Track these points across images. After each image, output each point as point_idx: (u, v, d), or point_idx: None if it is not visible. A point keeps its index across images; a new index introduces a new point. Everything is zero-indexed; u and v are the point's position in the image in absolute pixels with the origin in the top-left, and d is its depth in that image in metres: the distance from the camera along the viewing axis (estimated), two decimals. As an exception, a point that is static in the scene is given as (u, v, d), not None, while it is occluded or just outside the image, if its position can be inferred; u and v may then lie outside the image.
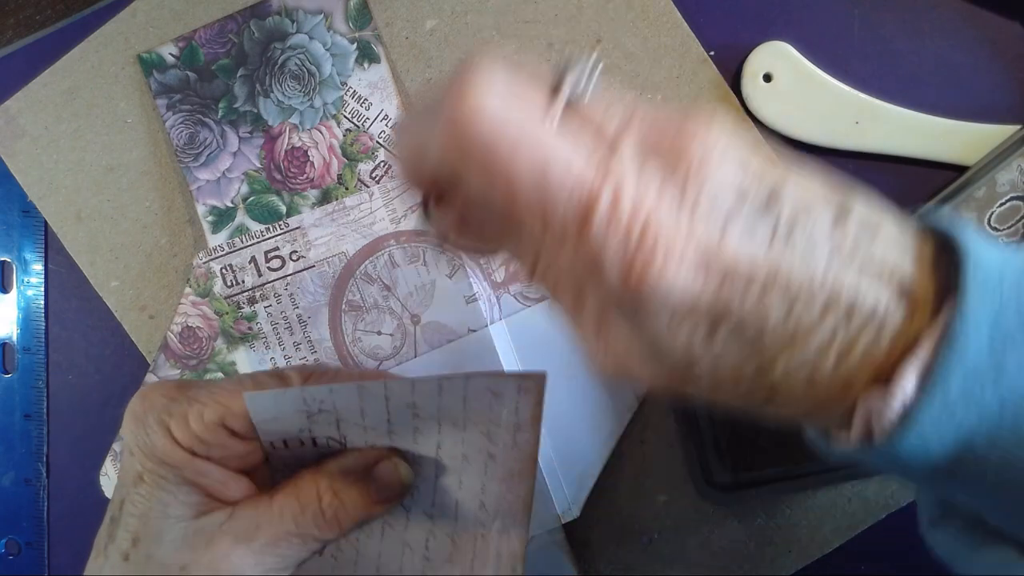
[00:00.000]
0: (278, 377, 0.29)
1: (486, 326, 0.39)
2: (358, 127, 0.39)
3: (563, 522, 0.39)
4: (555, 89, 0.21)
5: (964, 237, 0.20)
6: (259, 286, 0.39)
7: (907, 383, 0.19)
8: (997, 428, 0.19)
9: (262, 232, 0.39)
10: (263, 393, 0.27)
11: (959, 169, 0.38)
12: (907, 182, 0.38)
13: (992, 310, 0.19)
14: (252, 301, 0.39)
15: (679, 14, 0.39)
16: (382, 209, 0.39)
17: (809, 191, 0.20)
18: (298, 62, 0.39)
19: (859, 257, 0.20)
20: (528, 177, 0.19)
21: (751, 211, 0.20)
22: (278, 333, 0.39)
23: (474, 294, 0.39)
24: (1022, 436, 0.19)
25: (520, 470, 0.29)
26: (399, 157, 0.25)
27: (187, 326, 0.40)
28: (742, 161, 0.20)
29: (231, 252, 0.39)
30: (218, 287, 0.39)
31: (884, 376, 0.19)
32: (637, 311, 0.20)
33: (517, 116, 0.20)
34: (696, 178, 0.19)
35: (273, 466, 0.29)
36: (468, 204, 0.23)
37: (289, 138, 0.40)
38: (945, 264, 0.20)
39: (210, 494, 0.27)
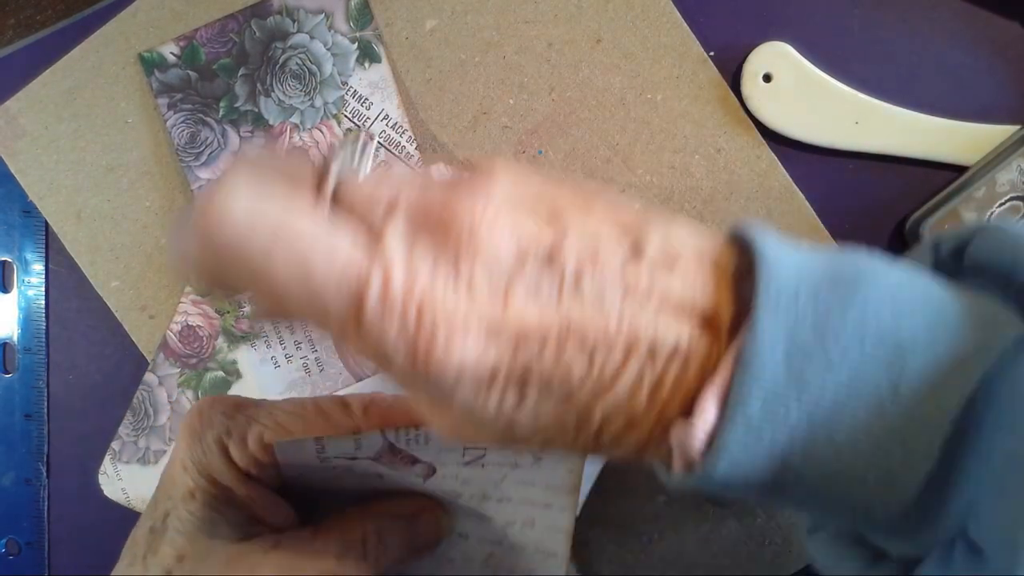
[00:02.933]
0: (341, 404, 0.28)
1: (486, 326, 0.39)
2: (359, 127, 0.39)
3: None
4: (321, 179, 0.20)
5: (764, 249, 0.19)
6: (259, 286, 0.39)
7: (707, 411, 0.19)
8: (810, 443, 0.18)
9: (262, 232, 0.39)
10: (290, 441, 0.26)
11: (959, 169, 0.38)
12: (907, 182, 0.38)
13: (787, 325, 0.18)
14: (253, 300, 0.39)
15: (679, 14, 0.39)
16: (382, 209, 0.39)
17: (596, 237, 0.20)
18: (299, 61, 0.39)
19: (655, 296, 0.19)
20: (290, 274, 0.19)
21: (533, 271, 0.19)
22: (279, 331, 0.39)
23: (474, 294, 0.39)
24: (838, 447, 0.18)
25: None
26: (170, 260, 0.24)
27: (187, 325, 0.40)
28: (517, 222, 0.19)
29: (231, 252, 0.39)
30: (218, 287, 0.39)
31: (693, 406, 0.19)
32: (438, 389, 0.19)
33: (271, 214, 0.19)
34: (468, 248, 0.19)
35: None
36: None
37: (290, 138, 0.40)
38: (752, 278, 0.19)
39: (256, 518, 0.27)
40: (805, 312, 0.18)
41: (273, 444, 0.26)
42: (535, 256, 0.19)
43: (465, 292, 0.19)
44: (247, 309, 0.27)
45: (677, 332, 0.19)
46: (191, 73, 0.40)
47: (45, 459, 0.42)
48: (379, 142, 0.39)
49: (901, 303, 0.19)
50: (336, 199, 0.20)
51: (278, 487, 0.28)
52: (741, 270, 0.20)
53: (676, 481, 0.20)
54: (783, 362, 0.18)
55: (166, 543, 0.26)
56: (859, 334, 0.18)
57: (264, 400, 0.29)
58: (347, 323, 0.19)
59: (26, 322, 0.41)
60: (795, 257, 0.19)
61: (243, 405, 0.28)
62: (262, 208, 0.19)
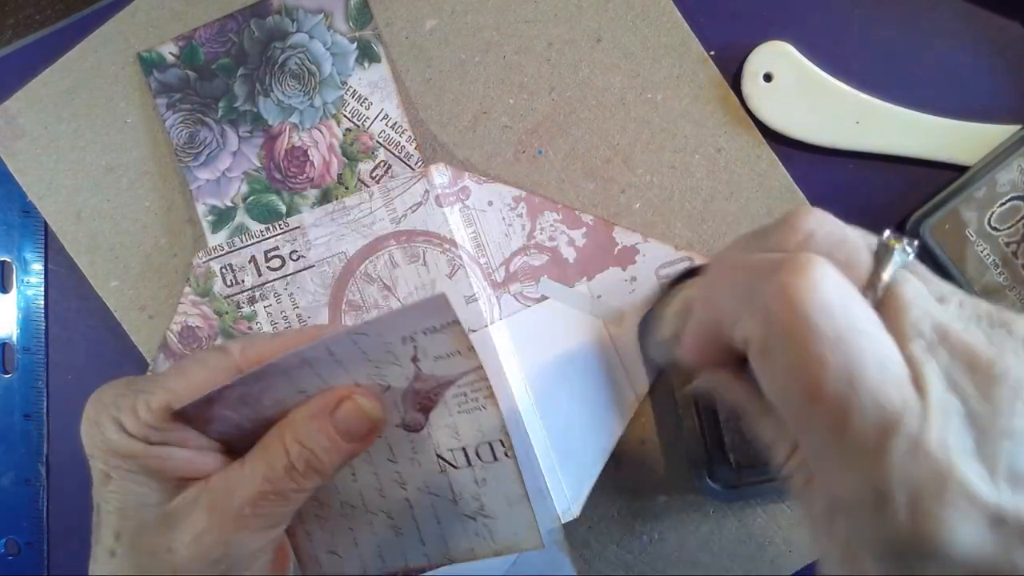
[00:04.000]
0: (221, 351, 0.29)
1: (486, 326, 0.39)
2: (358, 127, 0.39)
3: (563, 522, 0.39)
4: (874, 275, 0.20)
5: None
6: (259, 286, 0.39)
7: None
8: None
9: (262, 232, 0.39)
10: (193, 402, 0.27)
11: (959, 169, 0.38)
12: (907, 182, 0.38)
13: None
14: (252, 300, 0.39)
15: (679, 14, 0.39)
16: (382, 209, 0.39)
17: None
18: (298, 61, 0.39)
19: None
20: (841, 372, 0.18)
21: None
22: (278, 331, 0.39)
23: (474, 294, 0.39)
24: None
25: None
26: (697, 321, 0.23)
27: (187, 325, 0.40)
28: None
29: (231, 252, 0.39)
30: (218, 286, 0.39)
31: None
32: (905, 554, 0.18)
33: (847, 305, 0.18)
34: (1007, 425, 0.17)
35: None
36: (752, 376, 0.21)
37: (289, 137, 0.40)
38: None
39: (181, 476, 0.27)
40: None
41: (176, 409, 0.26)
42: None
43: (989, 470, 0.17)
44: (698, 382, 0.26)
45: None
46: (190, 73, 0.40)
47: (44, 459, 0.42)
48: (378, 142, 0.39)
49: None
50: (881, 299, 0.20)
51: (204, 446, 0.28)
52: None
53: None
54: None
55: (103, 527, 0.27)
56: None
57: (156, 374, 0.29)
58: (864, 443, 0.18)
59: (25, 322, 0.41)
60: None
61: (132, 381, 0.28)
62: (843, 294, 0.18)
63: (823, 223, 0.21)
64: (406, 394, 0.29)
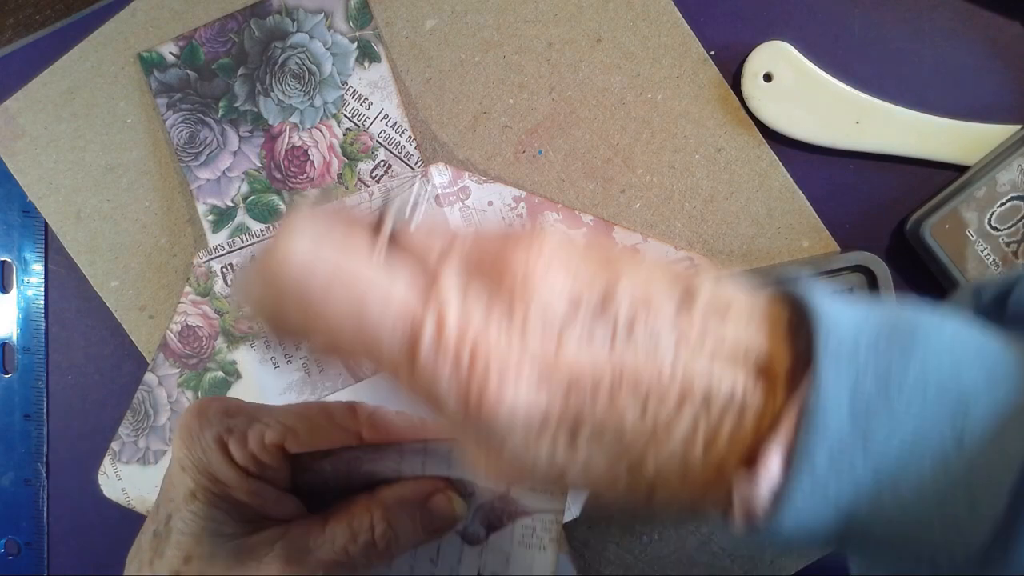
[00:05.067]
0: (350, 411, 0.29)
1: (486, 326, 0.39)
2: (358, 126, 0.39)
3: (563, 522, 0.39)
4: (378, 225, 0.21)
5: (817, 304, 0.19)
6: (259, 286, 0.39)
7: (772, 465, 0.19)
8: (876, 497, 0.18)
9: (262, 231, 0.39)
10: (312, 452, 0.27)
11: (959, 169, 0.38)
12: (907, 182, 0.38)
13: (850, 378, 0.18)
14: (252, 301, 0.39)
15: (679, 14, 0.39)
16: (382, 209, 0.39)
17: (648, 284, 0.20)
18: (298, 61, 0.39)
19: (708, 343, 0.19)
20: (345, 314, 0.19)
21: (586, 316, 0.19)
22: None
23: (474, 294, 0.39)
24: (902, 501, 0.18)
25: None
26: (240, 302, 0.24)
27: (187, 325, 0.40)
28: (570, 269, 0.20)
29: (231, 251, 0.39)
30: (218, 286, 0.39)
31: (753, 457, 0.19)
32: (489, 433, 0.19)
33: (330, 256, 0.19)
34: (522, 293, 0.19)
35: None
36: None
37: (289, 137, 0.40)
38: (804, 333, 0.19)
39: (262, 513, 0.27)
40: (867, 365, 0.18)
41: (288, 448, 0.26)
42: (588, 302, 0.19)
43: (518, 337, 0.19)
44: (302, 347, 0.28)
45: (732, 380, 0.19)
46: (190, 73, 0.40)
47: (44, 459, 0.42)
48: (378, 141, 0.39)
49: (959, 354, 0.19)
50: (392, 245, 0.21)
51: (286, 487, 0.28)
52: (793, 324, 0.20)
53: (735, 535, 0.20)
54: (848, 415, 0.18)
55: (171, 545, 0.26)
56: (921, 386, 0.18)
57: (264, 404, 0.29)
58: (400, 364, 0.19)
59: (25, 322, 0.41)
60: (850, 312, 0.19)
61: (242, 406, 0.28)
62: (321, 251, 0.20)
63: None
64: (483, 507, 0.29)
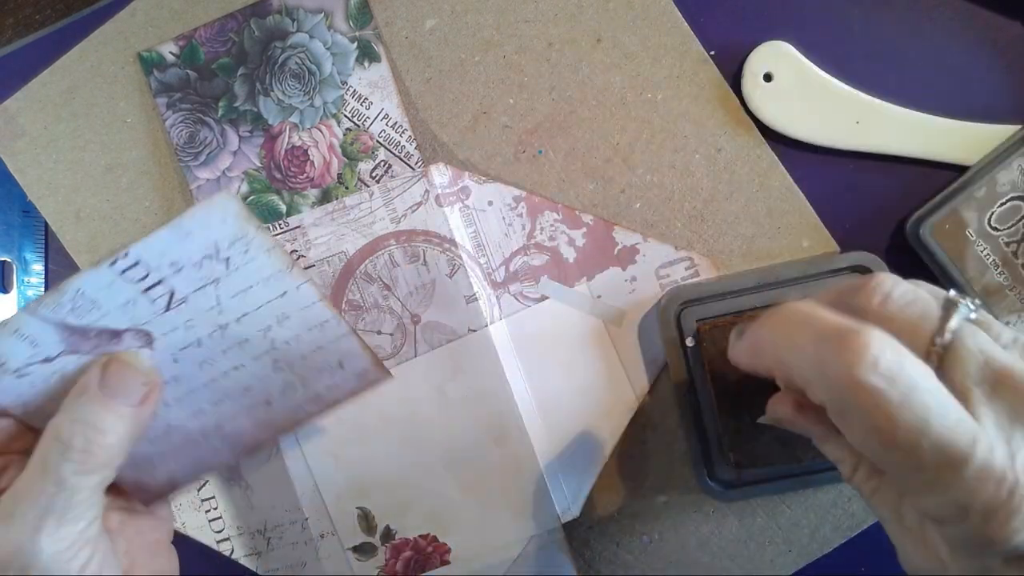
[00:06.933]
0: None
1: (486, 326, 0.39)
2: (358, 126, 0.39)
3: (563, 522, 0.39)
4: (937, 332, 0.23)
5: None
6: (259, 286, 0.39)
7: None
8: None
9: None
10: None
11: (959, 169, 0.38)
12: (907, 182, 0.38)
13: None
14: (252, 301, 0.39)
15: (679, 14, 0.39)
16: (382, 208, 0.39)
17: None
18: (298, 61, 0.39)
19: None
20: (910, 426, 0.21)
21: None
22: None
23: (474, 294, 0.39)
24: None
25: None
26: (763, 366, 0.27)
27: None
28: None
29: (231, 252, 0.39)
30: (218, 287, 0.39)
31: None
32: (982, 551, 0.22)
33: (905, 370, 0.22)
34: None
35: None
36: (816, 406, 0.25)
37: (289, 137, 0.40)
38: None
39: None
40: None
41: None
42: None
43: None
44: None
45: None
46: (190, 72, 0.40)
47: (44, 459, 0.42)
48: (378, 141, 0.39)
49: None
50: (943, 352, 0.23)
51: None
52: None
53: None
54: None
55: None
56: None
57: None
58: (934, 471, 0.22)
59: (25, 322, 0.41)
60: None
61: None
62: (901, 362, 0.22)
63: (897, 284, 0.24)
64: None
